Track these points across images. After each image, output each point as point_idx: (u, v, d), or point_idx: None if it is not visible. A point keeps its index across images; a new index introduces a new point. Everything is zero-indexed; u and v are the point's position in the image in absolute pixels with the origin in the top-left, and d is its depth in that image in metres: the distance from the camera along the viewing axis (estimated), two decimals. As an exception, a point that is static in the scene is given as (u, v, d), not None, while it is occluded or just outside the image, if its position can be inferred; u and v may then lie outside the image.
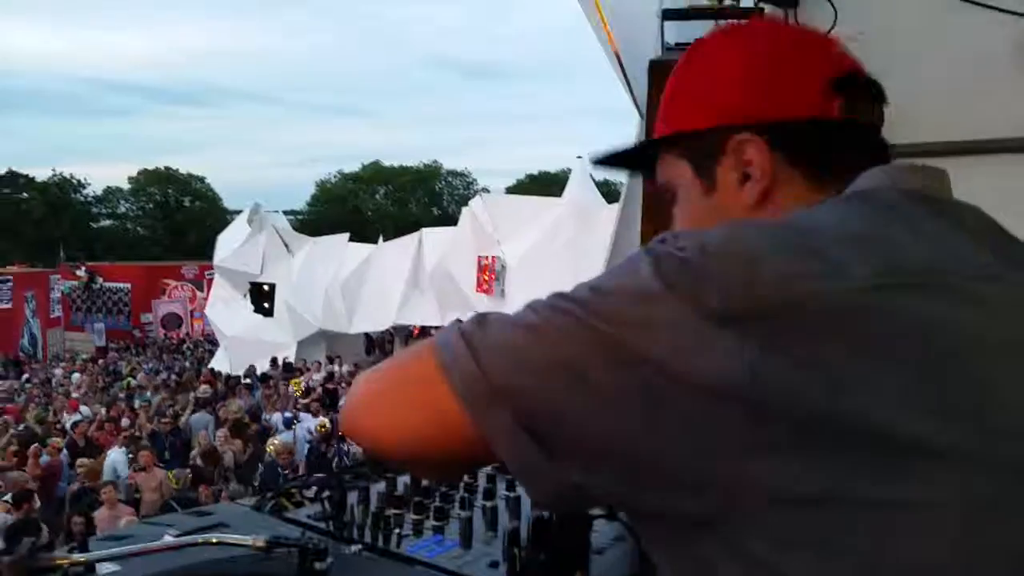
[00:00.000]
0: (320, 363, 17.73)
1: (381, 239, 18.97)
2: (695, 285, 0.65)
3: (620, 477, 0.67)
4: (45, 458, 10.21)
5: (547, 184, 49.24)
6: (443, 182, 67.37)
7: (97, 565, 1.41)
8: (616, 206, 13.95)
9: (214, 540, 1.47)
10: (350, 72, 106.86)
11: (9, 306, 26.93)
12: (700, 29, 2.91)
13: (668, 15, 2.91)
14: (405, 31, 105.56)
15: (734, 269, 0.66)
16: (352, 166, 67.11)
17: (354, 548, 1.59)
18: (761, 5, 2.82)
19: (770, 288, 0.65)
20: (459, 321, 0.73)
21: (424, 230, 17.98)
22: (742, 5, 2.82)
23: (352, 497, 1.74)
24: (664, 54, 2.88)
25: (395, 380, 0.76)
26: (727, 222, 0.76)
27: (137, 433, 11.18)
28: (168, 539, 1.49)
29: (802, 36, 0.88)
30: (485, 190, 59.61)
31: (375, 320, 18.18)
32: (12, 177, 58.13)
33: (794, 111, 0.82)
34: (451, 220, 21.67)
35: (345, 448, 9.27)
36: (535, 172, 63.61)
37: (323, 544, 1.45)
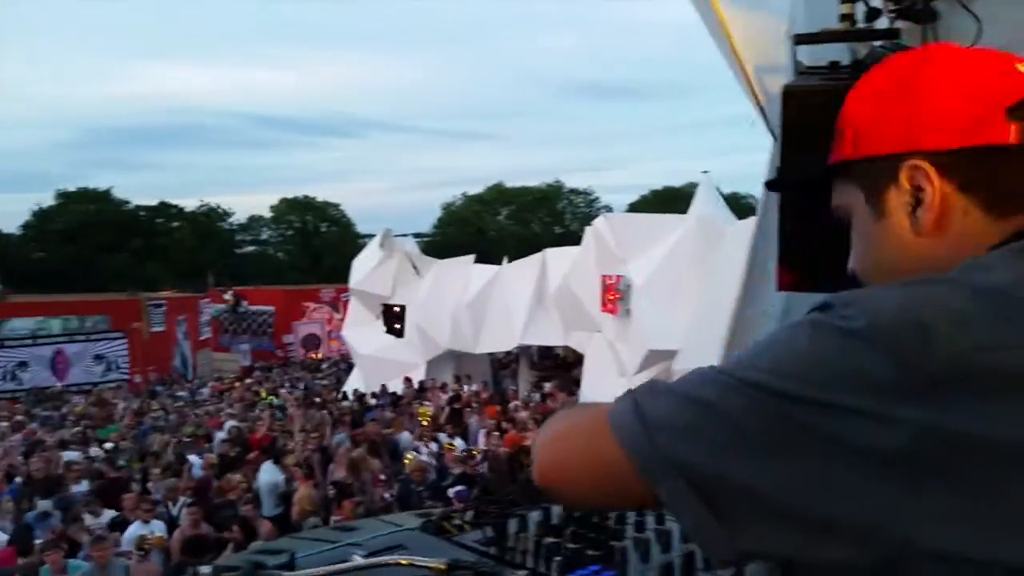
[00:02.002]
0: (446, 383, 18.14)
1: (505, 260, 19.23)
2: (865, 357, 0.66)
3: (791, 539, 0.70)
4: (198, 472, 10.96)
5: (671, 199, 48.54)
6: (565, 201, 67.71)
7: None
8: (745, 222, 13.52)
9: (404, 562, 1.56)
10: (477, 99, 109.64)
11: (163, 329, 29.03)
12: (833, 52, 2.83)
13: (800, 39, 2.85)
14: (529, 58, 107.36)
15: (907, 338, 0.66)
16: (476, 188, 68.59)
17: (519, 574, 1.66)
18: (897, 25, 2.71)
19: (944, 360, 0.65)
20: (631, 392, 0.82)
21: (548, 250, 18.10)
22: (877, 27, 2.72)
23: (512, 524, 1.81)
24: (798, 79, 2.82)
25: (576, 447, 0.85)
26: (898, 283, 0.76)
27: (288, 448, 11.76)
28: (358, 559, 1.58)
29: (976, 59, 0.85)
30: (607, 208, 59.51)
31: (500, 340, 18.42)
32: (163, 208, 63.00)
33: (967, 138, 0.80)
34: (573, 238, 21.69)
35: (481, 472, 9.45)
36: (659, 187, 62.88)
37: (496, 569, 1.52)
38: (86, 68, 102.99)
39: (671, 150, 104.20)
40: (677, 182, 59.09)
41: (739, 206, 23.67)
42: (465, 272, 18.99)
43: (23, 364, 25.31)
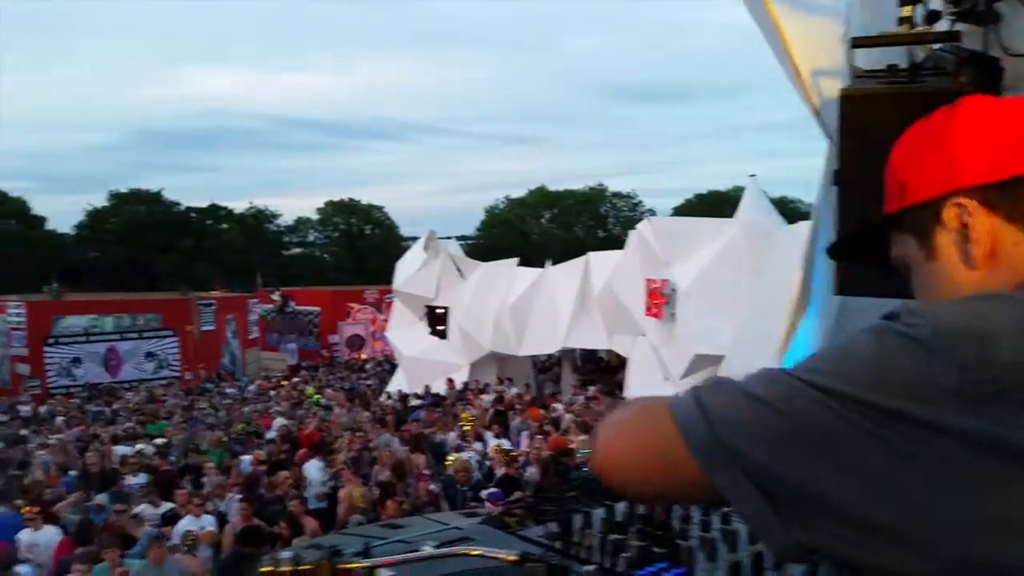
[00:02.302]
0: (489, 385, 18.20)
1: (548, 263, 19.24)
2: (927, 365, 0.68)
3: (846, 541, 0.71)
4: (247, 468, 11.18)
5: (716, 203, 48.03)
6: (608, 204, 67.49)
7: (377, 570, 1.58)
8: (794, 227, 13.29)
9: (476, 552, 1.60)
10: (521, 102, 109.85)
11: (212, 328, 29.62)
12: (890, 54, 2.80)
13: (858, 43, 2.83)
14: (574, 60, 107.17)
15: (969, 347, 0.68)
16: (519, 191, 68.72)
17: (588, 568, 1.69)
18: (958, 28, 2.67)
19: (1007, 366, 0.66)
20: (695, 386, 0.84)
21: (591, 254, 18.07)
22: (937, 29, 2.69)
23: (576, 520, 1.84)
24: (856, 83, 2.81)
25: (637, 434, 0.88)
26: (959, 297, 0.79)
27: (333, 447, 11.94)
28: (429, 549, 1.63)
29: (1006, 101, 0.89)
30: (651, 211, 59.02)
31: (543, 343, 18.43)
32: (213, 210, 64.33)
33: (1005, 169, 0.82)
34: (616, 242, 21.58)
35: (524, 473, 9.48)
36: (703, 191, 62.27)
37: (565, 562, 1.55)
38: (141, 73, 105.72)
39: (716, 153, 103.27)
40: (722, 186, 58.54)
41: (787, 210, 23.36)
42: (509, 275, 19.04)
43: (77, 361, 26.09)
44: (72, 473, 11.36)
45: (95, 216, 60.59)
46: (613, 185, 70.31)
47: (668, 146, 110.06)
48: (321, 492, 9.70)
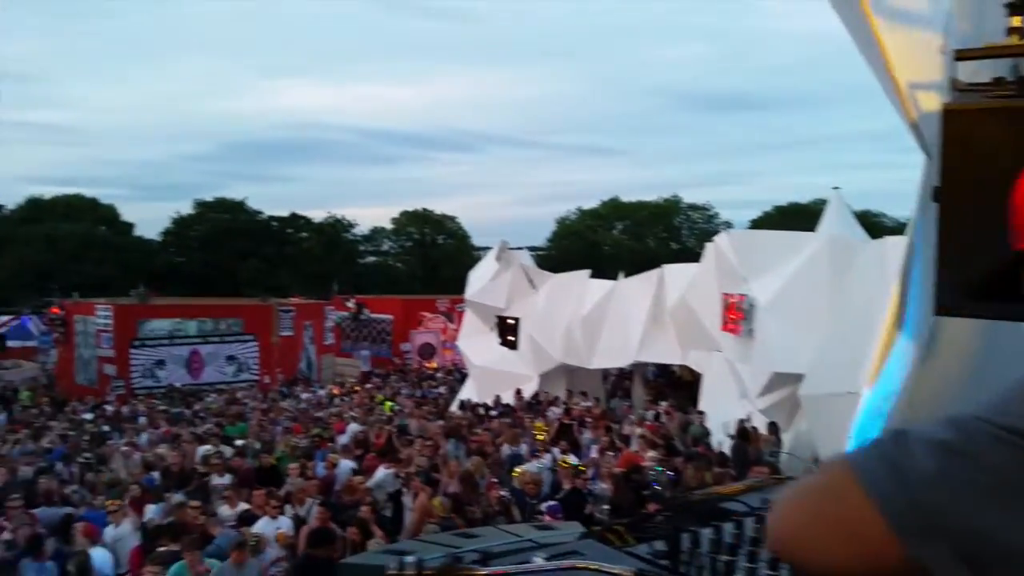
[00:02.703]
0: (558, 397, 18.12)
1: (621, 275, 19.08)
2: None
3: None
4: (321, 471, 11.41)
5: (796, 216, 46.88)
6: (682, 216, 66.64)
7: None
8: (879, 242, 12.82)
9: (592, 566, 1.57)
10: (595, 113, 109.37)
11: (291, 334, 30.39)
12: (994, 67, 2.66)
13: (962, 55, 2.70)
14: (649, 70, 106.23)
15: None
16: (591, 203, 68.51)
17: None
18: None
19: None
20: (877, 440, 0.75)
21: (666, 266, 17.85)
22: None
23: (684, 539, 1.80)
24: (957, 96, 2.68)
25: (816, 503, 0.78)
26: None
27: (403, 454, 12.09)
28: (539, 561, 1.61)
29: None
30: (727, 224, 58.13)
31: (615, 356, 18.28)
32: (293, 219, 66.22)
33: None
34: (690, 254, 21.30)
35: (592, 488, 9.40)
36: (783, 203, 60.84)
37: None
38: (231, 86, 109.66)
39: (796, 165, 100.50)
40: (802, 198, 57.08)
41: (869, 224, 22.64)
42: (580, 286, 18.96)
43: (161, 363, 27.12)
44: (154, 472, 11.79)
45: (181, 223, 63.04)
46: (688, 197, 69.17)
47: (744, 157, 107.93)
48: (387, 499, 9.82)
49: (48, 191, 62.51)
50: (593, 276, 19.53)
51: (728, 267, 14.56)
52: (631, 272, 19.41)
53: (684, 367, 18.51)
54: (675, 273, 17.16)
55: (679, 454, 11.85)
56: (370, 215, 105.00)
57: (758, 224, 52.84)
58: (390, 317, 36.80)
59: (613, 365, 19.52)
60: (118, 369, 26.79)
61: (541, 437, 12.16)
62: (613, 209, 66.12)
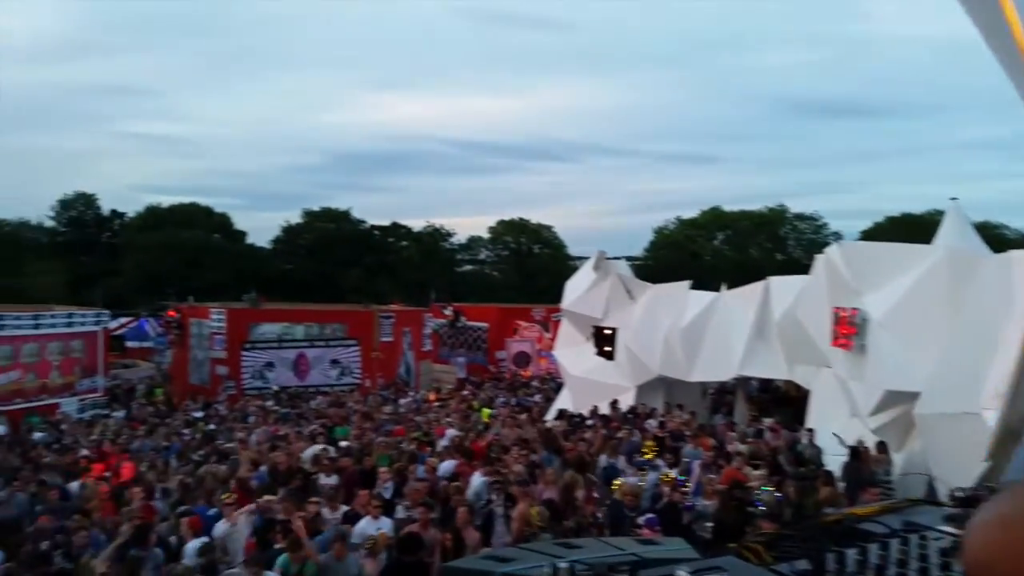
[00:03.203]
0: (656, 409, 17.77)
1: (724, 286, 18.58)
2: None
3: None
4: (422, 473, 11.53)
5: (910, 227, 44.75)
6: (788, 226, 64.55)
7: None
8: (1002, 256, 12.04)
9: None
10: (697, 120, 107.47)
11: (391, 339, 31.06)
12: None
13: None
14: (755, 76, 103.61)
15: None
16: (691, 212, 67.27)
17: None
18: None
19: None
20: None
21: (772, 278, 17.27)
22: None
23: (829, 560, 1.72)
24: None
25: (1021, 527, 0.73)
26: None
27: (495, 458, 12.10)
28: (681, 574, 1.56)
29: None
30: (836, 234, 56.00)
31: (716, 370, 17.80)
32: (394, 228, 67.94)
33: None
34: (796, 266, 20.53)
35: (694, 503, 9.15)
36: (895, 214, 58.11)
37: None
38: (333, 100, 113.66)
39: (909, 174, 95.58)
40: (916, 208, 54.38)
41: (990, 236, 21.28)
42: (681, 297, 18.57)
43: (270, 365, 28.27)
44: (262, 469, 12.20)
45: (290, 232, 65.66)
46: (795, 206, 66.88)
47: (854, 166, 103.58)
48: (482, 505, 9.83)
49: (166, 200, 66.21)
50: (693, 287, 19.10)
51: (840, 280, 13.94)
52: (733, 283, 18.89)
53: (789, 382, 17.84)
54: (782, 285, 16.58)
55: (785, 473, 11.42)
56: (468, 224, 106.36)
57: (869, 235, 50.62)
58: (486, 325, 37.14)
59: (714, 379, 19.02)
60: (230, 370, 28.06)
61: (650, 456, 11.93)
62: (714, 218, 64.71)
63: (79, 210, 63.96)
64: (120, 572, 7.16)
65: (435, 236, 68.29)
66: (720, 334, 17.34)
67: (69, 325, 26.23)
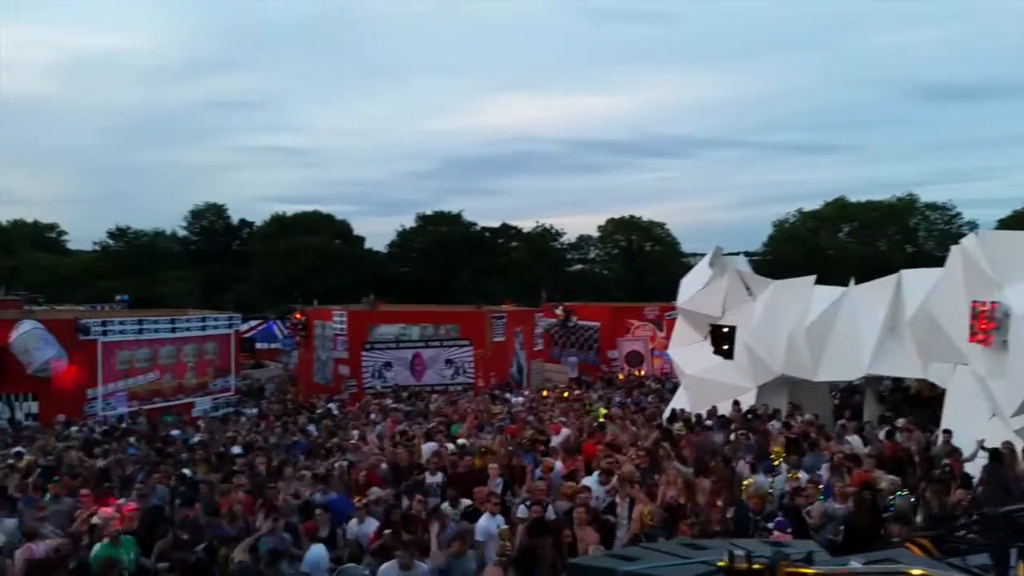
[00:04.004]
0: (779, 411, 17.12)
1: (852, 281, 17.70)
2: None
3: None
4: (538, 472, 11.56)
5: (1054, 214, 41.42)
6: (919, 216, 61.03)
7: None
8: None
9: (916, 572, 1.46)
10: (818, 108, 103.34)
11: (503, 339, 31.37)
12: None
13: None
14: (880, 59, 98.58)
15: None
16: (813, 204, 64.64)
17: None
18: None
19: None
20: None
21: (904, 272, 16.33)
22: None
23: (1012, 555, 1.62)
24: None
25: None
26: None
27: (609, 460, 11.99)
28: (856, 565, 1.52)
29: None
30: (971, 224, 52.55)
31: (844, 369, 16.98)
32: (504, 229, 68.66)
33: None
34: (929, 258, 19.42)
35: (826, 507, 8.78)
36: (1038, 201, 53.98)
37: None
38: (442, 106, 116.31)
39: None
40: (1063, 194, 50.34)
41: None
42: (804, 293, 17.80)
43: (388, 364, 29.21)
44: (384, 466, 12.54)
45: (404, 235, 67.53)
46: (925, 195, 63.11)
47: (989, 151, 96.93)
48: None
49: (290, 209, 69.55)
50: (817, 283, 18.30)
51: (978, 272, 13.03)
52: (860, 278, 17.98)
53: (923, 381, 16.84)
54: (914, 279, 15.66)
55: (920, 475, 10.80)
56: (577, 223, 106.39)
57: (1007, 224, 47.23)
58: (597, 324, 36.93)
59: (841, 378, 18.18)
60: (351, 370, 29.10)
61: (777, 462, 11.54)
62: (838, 210, 61.92)
63: (210, 220, 68.02)
64: (258, 562, 7.52)
65: (545, 236, 68.55)
66: (848, 331, 16.54)
67: (203, 329, 27.91)
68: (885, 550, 1.86)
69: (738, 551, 1.45)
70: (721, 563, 1.43)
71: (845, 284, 17.63)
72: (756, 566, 1.43)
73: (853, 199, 62.46)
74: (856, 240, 60.46)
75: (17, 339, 22.24)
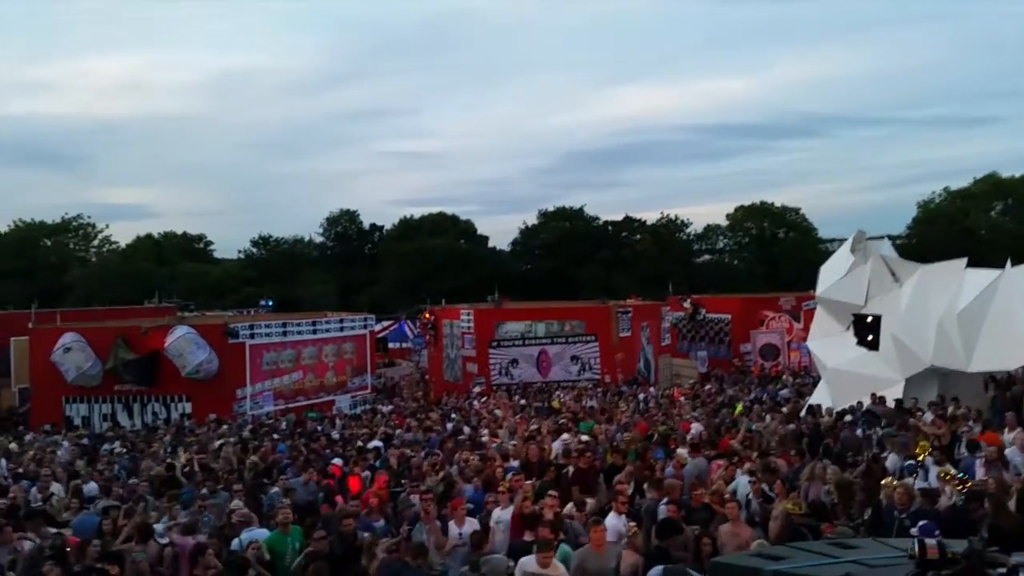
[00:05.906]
0: (932, 403, 15.98)
1: (1009, 263, 16.31)
2: None
3: None
4: (670, 471, 11.34)
5: None
6: (1085, 191, 55.77)
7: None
8: None
9: None
10: (965, 79, 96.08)
11: (628, 334, 30.99)
12: None
13: None
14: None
15: None
16: (961, 181, 60.21)
17: None
18: None
19: None
20: None
21: (1070, 250, 14.93)
22: None
23: None
24: None
25: None
26: None
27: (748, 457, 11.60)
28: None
29: None
30: None
31: (1002, 358, 15.67)
32: (627, 221, 67.81)
33: None
34: (1101, 237, 17.53)
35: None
36: None
37: None
38: (561, 101, 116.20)
39: None
40: None
41: None
42: (955, 278, 16.57)
43: (514, 361, 29.48)
44: (514, 463, 12.61)
45: (527, 233, 67.98)
46: (1091, 168, 57.64)
47: None
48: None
49: (417, 212, 71.50)
50: (969, 266, 16.95)
51: None
52: (1016, 259, 16.55)
53: (1093, 370, 15.30)
54: (1083, 258, 14.28)
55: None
56: (704, 213, 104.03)
57: None
58: (728, 317, 35.83)
59: (999, 368, 16.75)
60: (479, 367, 29.57)
61: (922, 458, 10.79)
62: (990, 187, 57.43)
63: (344, 225, 70.98)
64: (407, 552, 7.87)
65: (670, 227, 67.26)
66: (1005, 317, 15.28)
67: (341, 330, 29.15)
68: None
69: (930, 541, 1.32)
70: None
71: (999, 266, 16.30)
72: (951, 553, 1.31)
73: (1005, 174, 57.79)
74: (1010, 219, 55.83)
75: (171, 344, 23.92)
